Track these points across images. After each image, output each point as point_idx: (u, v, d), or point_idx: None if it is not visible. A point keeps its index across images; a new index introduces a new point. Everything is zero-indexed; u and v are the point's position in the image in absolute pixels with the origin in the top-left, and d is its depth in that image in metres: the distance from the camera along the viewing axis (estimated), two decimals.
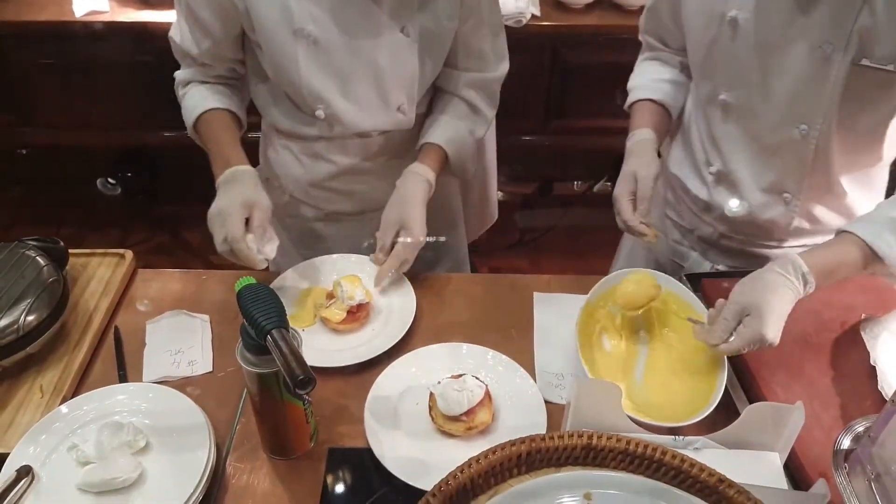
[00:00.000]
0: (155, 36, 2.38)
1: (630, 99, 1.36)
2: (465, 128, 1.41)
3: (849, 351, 1.13)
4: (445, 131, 1.39)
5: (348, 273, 1.29)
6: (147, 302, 1.31)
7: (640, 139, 1.27)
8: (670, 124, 1.36)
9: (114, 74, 2.54)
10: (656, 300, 1.14)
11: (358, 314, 1.23)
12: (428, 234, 1.45)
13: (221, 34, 1.26)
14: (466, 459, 0.78)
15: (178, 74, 1.38)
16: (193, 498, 0.95)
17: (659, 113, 1.33)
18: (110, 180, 2.96)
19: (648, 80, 1.36)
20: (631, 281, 1.15)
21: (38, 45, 2.49)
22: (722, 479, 0.75)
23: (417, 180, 1.33)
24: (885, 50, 0.99)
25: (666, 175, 1.45)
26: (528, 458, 0.79)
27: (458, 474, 0.76)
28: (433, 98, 1.45)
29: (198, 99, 1.34)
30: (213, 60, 1.33)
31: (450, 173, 1.44)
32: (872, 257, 1.02)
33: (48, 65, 2.52)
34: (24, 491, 0.91)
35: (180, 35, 1.30)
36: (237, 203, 1.18)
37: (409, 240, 1.27)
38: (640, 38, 1.41)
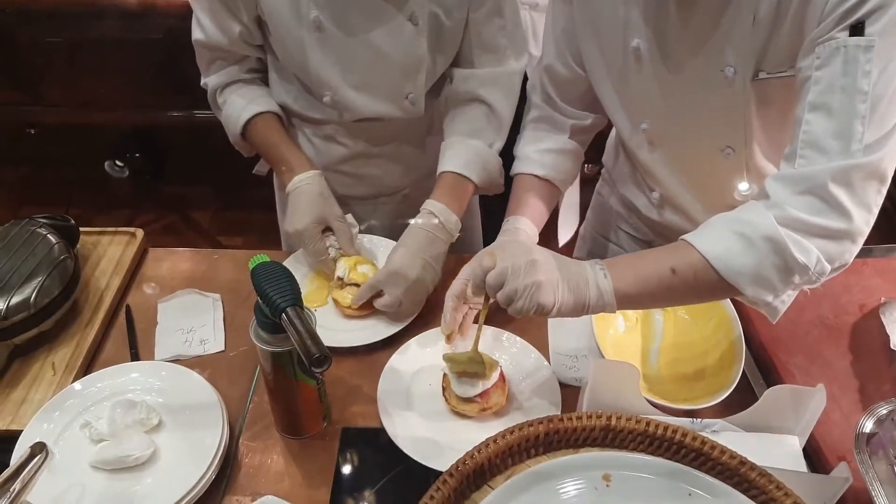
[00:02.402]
0: (163, 14, 2.36)
1: (514, 168, 1.29)
2: (483, 144, 1.31)
3: (868, 334, 1.12)
4: (459, 155, 1.29)
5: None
6: (158, 281, 1.30)
7: (509, 229, 1.20)
8: (558, 196, 1.30)
9: (122, 53, 2.53)
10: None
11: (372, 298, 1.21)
12: None
13: (246, 16, 1.23)
14: (482, 440, 0.77)
15: (211, 81, 1.34)
16: (206, 476, 0.95)
17: (543, 192, 1.25)
18: (118, 163, 2.96)
19: (533, 151, 1.27)
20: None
21: (46, 23, 2.47)
22: (743, 462, 0.74)
23: (425, 231, 1.21)
24: (777, 58, 0.96)
25: (616, 193, 1.43)
26: (546, 439, 0.79)
27: (476, 454, 0.75)
28: (446, 112, 1.38)
29: (239, 106, 1.32)
30: (245, 48, 1.30)
31: (480, 192, 1.37)
32: (703, 264, 0.90)
33: (56, 43, 2.51)
34: (39, 467, 0.91)
35: (204, 31, 1.26)
36: (312, 223, 1.24)
37: (386, 302, 1.17)
38: (528, 94, 1.33)
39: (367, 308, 1.20)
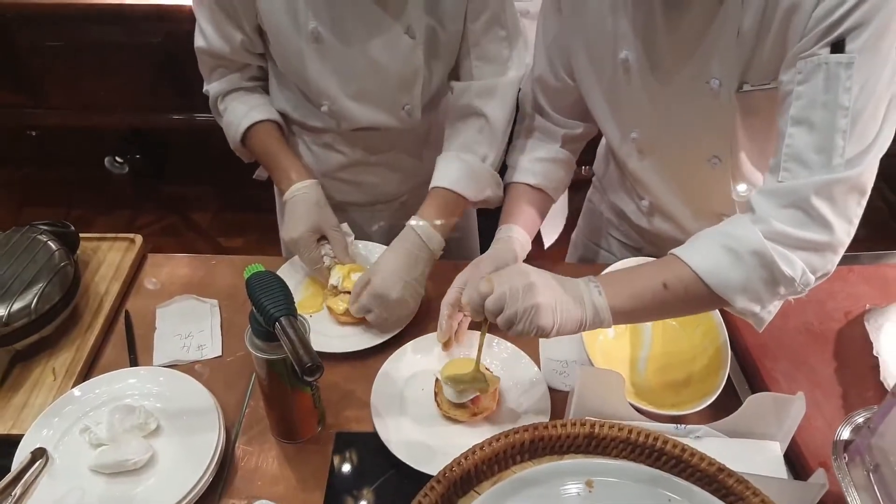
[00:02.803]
0: (163, 17, 2.38)
1: (507, 178, 1.31)
2: (476, 158, 1.29)
3: (852, 341, 1.14)
4: (450, 170, 1.28)
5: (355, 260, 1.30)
6: (157, 286, 1.32)
7: (502, 237, 1.22)
8: (550, 204, 1.32)
9: (122, 56, 2.55)
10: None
11: None
12: None
13: (248, 25, 1.25)
14: (471, 446, 0.79)
15: (212, 88, 1.36)
16: (203, 480, 0.97)
17: (535, 200, 1.27)
18: (118, 159, 2.98)
19: (525, 160, 1.29)
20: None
21: (47, 26, 2.49)
22: (721, 469, 0.76)
23: (408, 250, 1.21)
24: (760, 71, 0.99)
25: (606, 200, 1.45)
26: (531, 446, 0.81)
27: (462, 461, 0.78)
28: (446, 126, 1.37)
29: (240, 114, 1.34)
30: (247, 56, 1.32)
31: (480, 206, 1.37)
32: (693, 278, 0.93)
33: (56, 46, 2.53)
34: (39, 472, 0.93)
35: (206, 39, 1.28)
36: (308, 231, 1.26)
37: (374, 318, 1.20)
38: (520, 103, 1.34)
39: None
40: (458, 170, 1.28)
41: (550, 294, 0.91)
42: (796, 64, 0.90)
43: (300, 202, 1.28)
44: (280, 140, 1.36)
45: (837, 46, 0.86)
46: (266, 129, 1.35)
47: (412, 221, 1.24)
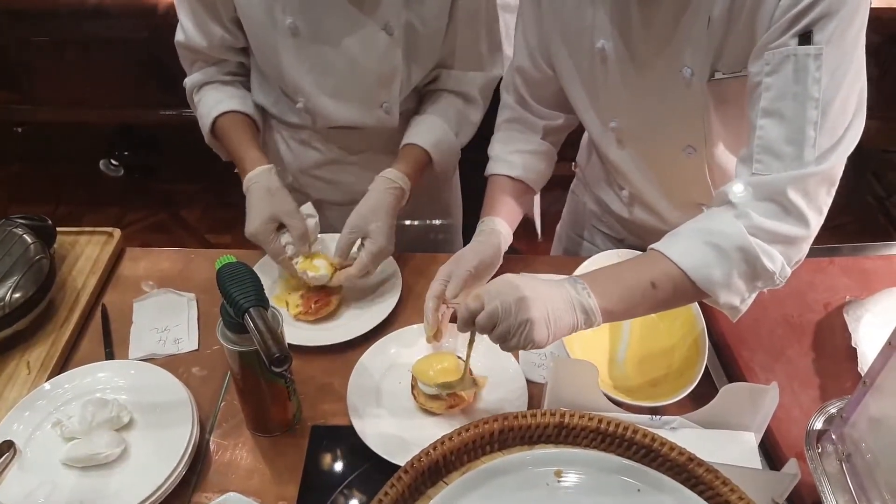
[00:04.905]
0: (150, 13, 2.37)
1: (488, 169, 1.29)
2: (452, 130, 1.34)
3: (831, 333, 1.14)
4: (432, 133, 1.32)
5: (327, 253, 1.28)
6: (134, 280, 1.31)
7: (484, 229, 1.20)
8: (532, 196, 1.32)
9: (108, 52, 2.54)
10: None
11: (319, 305, 1.21)
12: (423, 220, 1.43)
13: (227, 18, 1.25)
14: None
15: (189, 80, 1.35)
16: (176, 473, 0.96)
17: (516, 193, 1.26)
18: (113, 162, 2.97)
19: (506, 152, 1.28)
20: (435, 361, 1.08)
21: (33, 22, 2.49)
22: (691, 458, 0.76)
23: (389, 187, 1.25)
24: (731, 59, 0.98)
25: (589, 192, 1.45)
26: (500, 436, 0.80)
27: (431, 451, 0.77)
28: (424, 94, 1.40)
29: (211, 104, 1.32)
30: (224, 52, 1.31)
31: (430, 174, 1.38)
32: (680, 275, 0.93)
33: (43, 42, 2.52)
34: (7, 465, 0.93)
35: (185, 34, 1.28)
36: (263, 223, 1.21)
37: (372, 249, 1.20)
38: (501, 94, 1.33)
39: (315, 314, 1.21)
40: (439, 135, 1.31)
41: (542, 305, 0.90)
42: (764, 55, 0.90)
43: (253, 193, 1.24)
44: (243, 130, 1.32)
45: (805, 37, 0.86)
46: (232, 120, 1.32)
47: (388, 173, 1.26)
